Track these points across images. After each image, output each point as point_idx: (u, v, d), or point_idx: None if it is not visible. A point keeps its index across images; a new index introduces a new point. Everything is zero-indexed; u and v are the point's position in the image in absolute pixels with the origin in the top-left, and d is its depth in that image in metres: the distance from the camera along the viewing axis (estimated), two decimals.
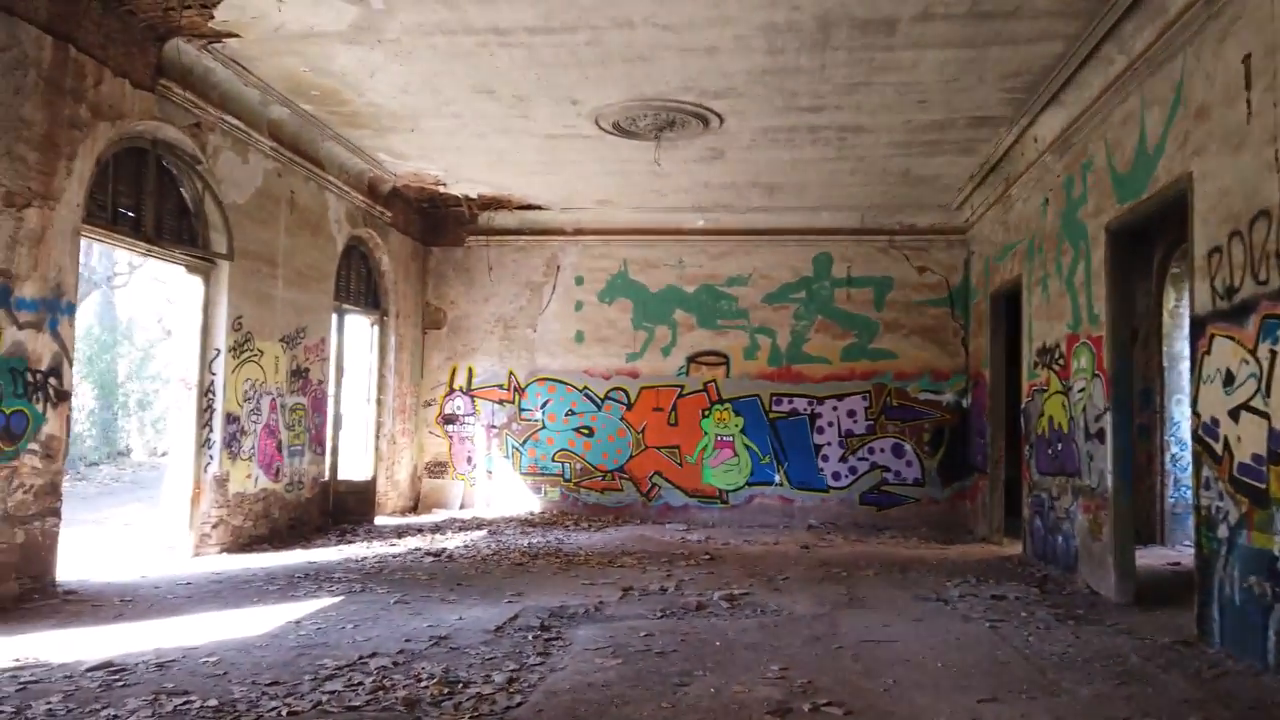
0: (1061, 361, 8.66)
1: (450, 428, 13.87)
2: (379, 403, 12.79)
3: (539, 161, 11.30)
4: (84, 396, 21.07)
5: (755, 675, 4.94)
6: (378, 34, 7.68)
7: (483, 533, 10.85)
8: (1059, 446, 8.62)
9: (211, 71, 8.36)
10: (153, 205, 8.07)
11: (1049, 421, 8.96)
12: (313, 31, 7.68)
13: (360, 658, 5.11)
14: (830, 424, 13.17)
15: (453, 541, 10.00)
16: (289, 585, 7.22)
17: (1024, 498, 9.82)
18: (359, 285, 12.36)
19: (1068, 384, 8.45)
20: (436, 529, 11.13)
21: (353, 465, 12.52)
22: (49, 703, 4.20)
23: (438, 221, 13.94)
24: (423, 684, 4.64)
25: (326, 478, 11.04)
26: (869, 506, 12.96)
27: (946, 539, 11.41)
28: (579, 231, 13.85)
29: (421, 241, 13.88)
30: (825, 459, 13.12)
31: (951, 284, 13.20)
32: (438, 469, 13.83)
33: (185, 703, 4.27)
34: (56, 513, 6.74)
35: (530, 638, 5.71)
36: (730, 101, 9.05)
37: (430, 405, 13.93)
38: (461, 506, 13.59)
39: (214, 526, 8.71)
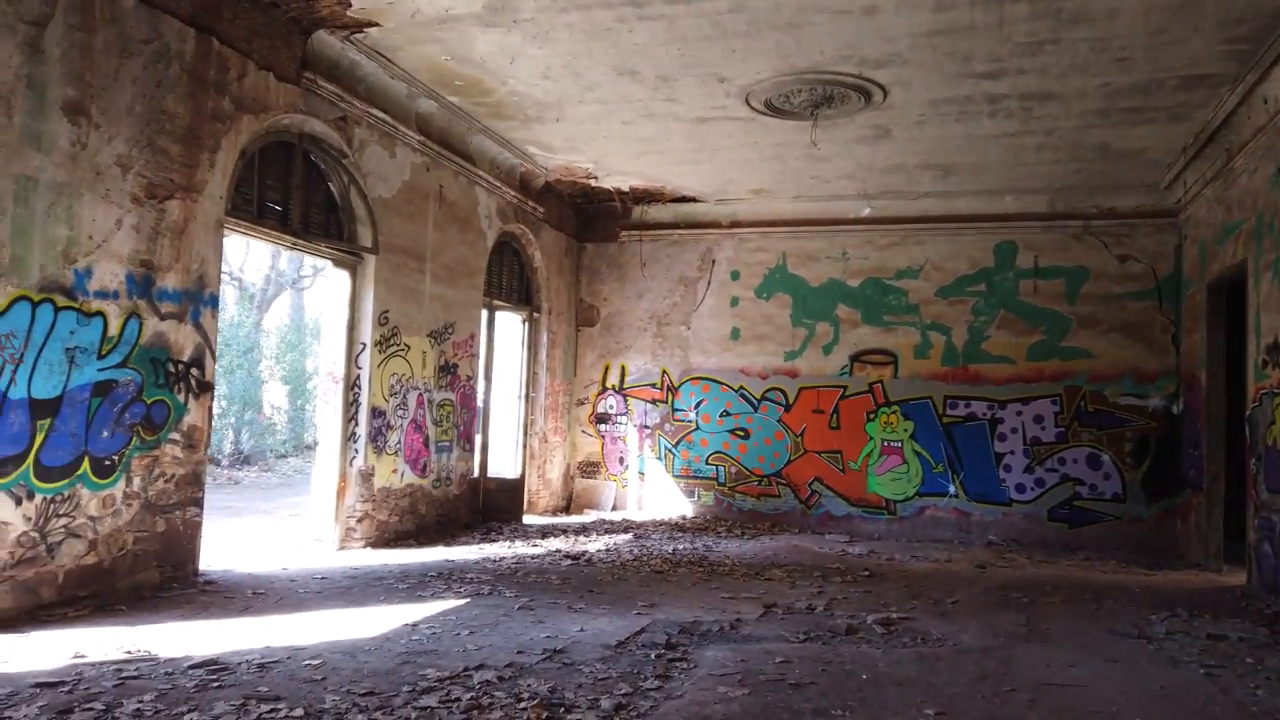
0: None
1: (602, 427, 13.57)
2: (530, 400, 12.64)
3: (689, 149, 10.77)
4: (275, 393, 22.38)
5: None
6: (513, 14, 7.37)
7: (628, 536, 10.42)
8: None
9: (358, 65, 8.34)
10: (299, 199, 8.12)
11: None
12: (448, 15, 7.47)
13: (465, 669, 4.73)
14: (1014, 430, 11.90)
15: (595, 544, 9.61)
16: (419, 584, 7.01)
17: (1249, 519, 8.37)
18: (510, 282, 12.24)
19: None
20: (582, 530, 10.80)
21: (504, 463, 12.43)
22: (140, 701, 4.03)
23: (591, 217, 13.68)
24: (521, 705, 4.18)
25: (476, 475, 10.94)
26: (1058, 523, 11.61)
27: (1151, 564, 9.98)
28: (735, 224, 13.22)
29: (575, 237, 13.65)
30: (1007, 469, 11.87)
31: (1159, 274, 11.63)
32: (590, 469, 13.56)
33: (272, 710, 4.00)
34: (198, 503, 6.80)
35: (652, 657, 5.16)
36: (894, 71, 8.19)
37: (583, 404, 13.67)
38: (614, 508, 13.25)
39: (359, 520, 8.69)
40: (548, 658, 5.04)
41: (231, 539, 8.94)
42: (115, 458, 6.07)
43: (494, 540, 9.61)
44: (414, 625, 5.68)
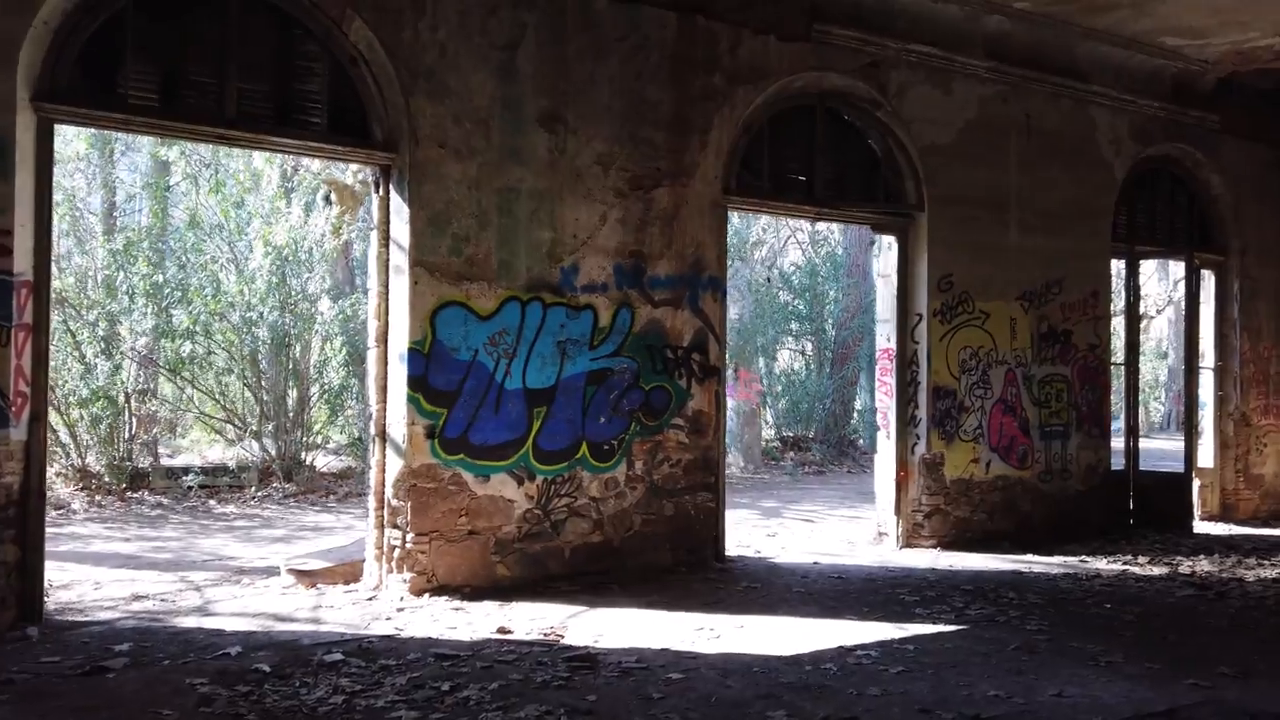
0: None
1: None
2: (1219, 371, 9.61)
3: None
4: None
5: None
6: None
7: None
8: None
9: (886, 0, 7.36)
10: (825, 164, 7.46)
11: None
12: None
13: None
14: None
15: (1269, 571, 6.74)
16: (933, 600, 5.74)
17: None
18: (1167, 219, 9.49)
19: None
20: (1275, 548, 7.73)
21: (1199, 453, 9.64)
22: (481, 690, 4.00)
23: None
24: None
25: (1115, 467, 8.70)
26: None
27: None
28: None
29: None
30: None
31: None
32: None
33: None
34: (710, 488, 6.70)
35: None
36: None
37: None
38: None
39: (926, 516, 7.61)
40: None
41: (806, 530, 8.71)
42: (614, 443, 6.32)
43: (1122, 551, 7.47)
44: (849, 650, 4.63)
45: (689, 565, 6.53)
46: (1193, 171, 9.53)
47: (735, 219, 13.26)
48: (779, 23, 7.01)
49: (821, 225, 16.46)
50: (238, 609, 5.32)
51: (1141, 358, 21.12)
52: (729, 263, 13.83)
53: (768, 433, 15.75)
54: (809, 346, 16.90)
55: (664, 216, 6.57)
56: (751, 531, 8.43)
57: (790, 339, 17.03)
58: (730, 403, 13.97)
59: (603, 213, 6.34)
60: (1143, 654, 4.60)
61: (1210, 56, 8.80)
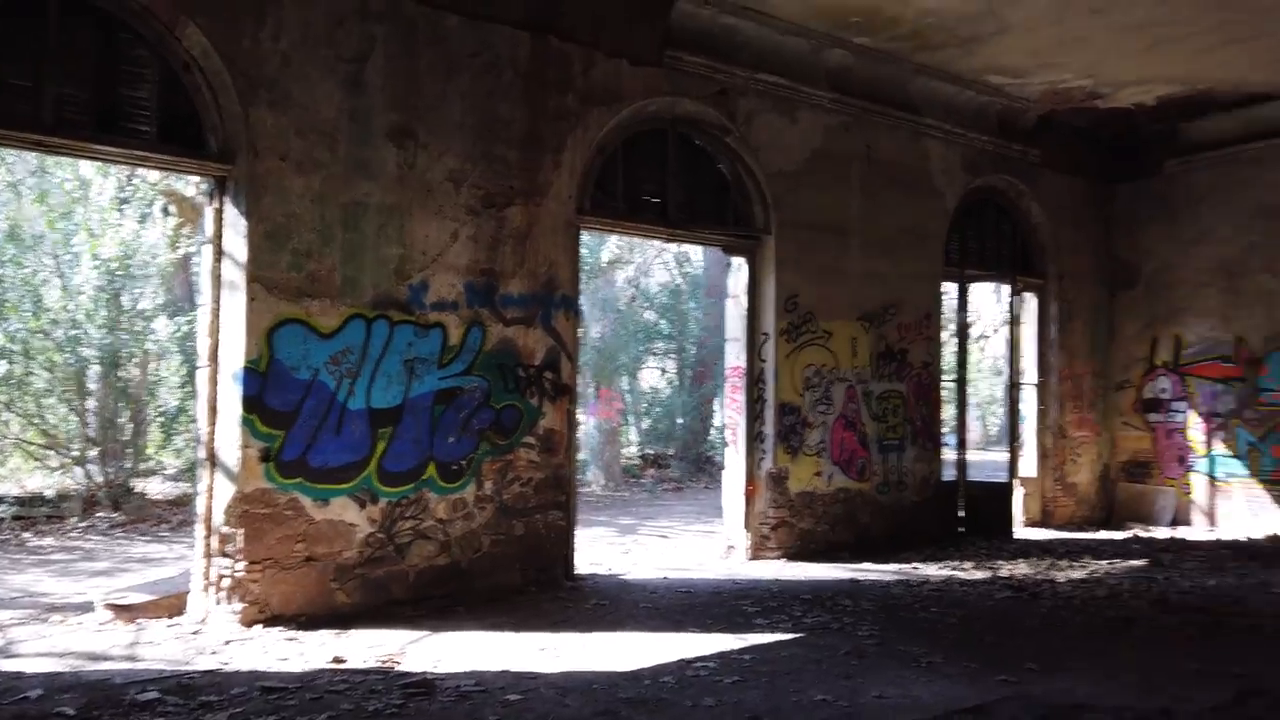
0: None
1: (1153, 417, 10.52)
2: (1040, 387, 10.33)
3: (1211, 24, 7.77)
4: None
5: None
6: None
7: (1141, 563, 7.74)
8: None
9: (734, 29, 7.63)
10: (678, 186, 7.65)
11: None
12: None
13: None
14: None
15: (1077, 572, 7.29)
16: (773, 610, 5.93)
17: None
18: (993, 246, 10.16)
19: None
20: (1086, 551, 8.38)
21: (1021, 463, 10.32)
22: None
23: (1118, 151, 10.76)
24: None
25: (947, 478, 9.22)
26: None
27: None
28: None
29: (1098, 178, 10.87)
30: None
31: None
32: (1138, 471, 10.61)
33: None
34: (561, 506, 6.72)
35: None
36: None
37: (1124, 388, 10.77)
38: (1173, 522, 10.14)
39: (773, 529, 7.86)
40: None
41: (661, 546, 8.83)
42: (463, 463, 6.26)
43: (951, 557, 7.91)
44: (689, 663, 4.73)
45: (539, 585, 6.51)
46: (1016, 201, 10.25)
47: (589, 239, 13.38)
48: (631, 47, 7.15)
49: (686, 246, 16.82)
50: (44, 649, 4.92)
51: (980, 375, 22.51)
52: (588, 282, 13.97)
53: (630, 450, 15.91)
54: (671, 365, 17.19)
55: (517, 235, 6.57)
56: (607, 549, 8.48)
57: (653, 358, 17.27)
58: (591, 421, 14.05)
59: (454, 230, 6.28)
60: (961, 654, 4.89)
61: (1030, 95, 9.51)
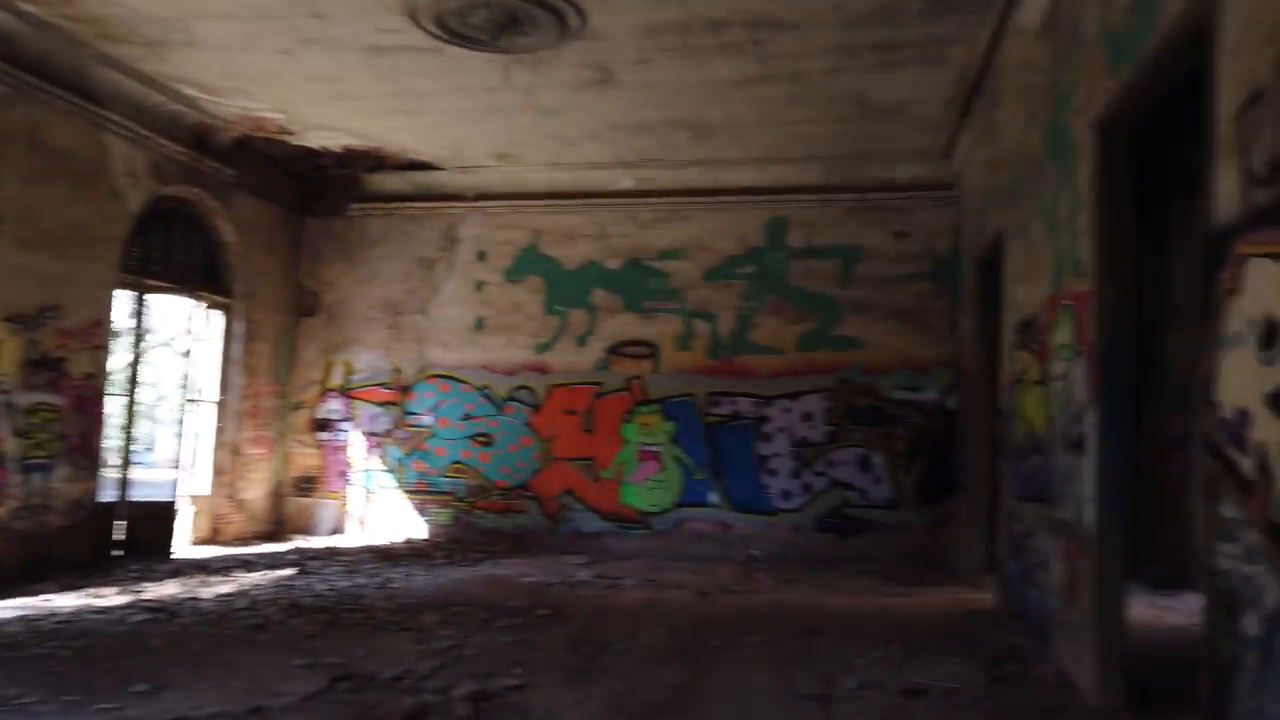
0: (1039, 338, 5.88)
1: (323, 435, 11.45)
2: (220, 405, 10.42)
3: (385, 93, 8.84)
4: None
5: None
6: None
7: (291, 571, 8.36)
8: (1035, 460, 5.84)
9: None
10: None
11: (1026, 425, 6.17)
12: None
13: None
14: (781, 430, 10.42)
15: (227, 586, 7.52)
16: None
17: (1000, 529, 7.04)
18: (181, 258, 9.99)
19: (1045, 369, 5.67)
20: (243, 565, 8.68)
21: (193, 481, 10.16)
22: None
23: (315, 187, 11.56)
24: None
25: (104, 499, 8.66)
26: (827, 534, 10.18)
27: (916, 579, 8.61)
28: (482, 196, 11.36)
29: (295, 210, 11.52)
30: (773, 473, 10.38)
31: (937, 252, 10.37)
32: (307, 486, 11.42)
33: None
34: None
35: None
36: None
37: (300, 408, 11.52)
38: (335, 531, 11.16)
39: None
40: None
41: None
42: None
43: (95, 584, 7.40)
44: None
45: None
46: (208, 217, 10.24)
47: None
48: None
49: None
50: None
51: (174, 391, 21.72)
52: None
53: None
54: None
55: None
56: None
57: None
58: None
59: None
60: (65, 688, 4.59)
61: (227, 115, 9.62)
